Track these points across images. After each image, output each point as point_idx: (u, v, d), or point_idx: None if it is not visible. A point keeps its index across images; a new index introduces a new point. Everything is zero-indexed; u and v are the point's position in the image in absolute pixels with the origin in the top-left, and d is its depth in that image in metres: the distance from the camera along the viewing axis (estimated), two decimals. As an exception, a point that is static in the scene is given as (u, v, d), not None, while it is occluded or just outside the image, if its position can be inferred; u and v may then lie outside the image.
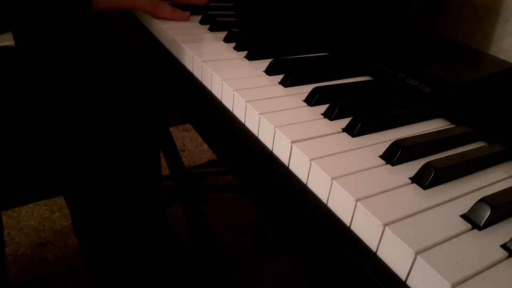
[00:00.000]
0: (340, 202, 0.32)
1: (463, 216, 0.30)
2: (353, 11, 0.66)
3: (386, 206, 0.30)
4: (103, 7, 0.62)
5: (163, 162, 0.94)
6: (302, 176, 0.36)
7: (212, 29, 0.65)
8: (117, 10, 0.66)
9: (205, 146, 1.55)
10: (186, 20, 0.66)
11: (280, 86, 0.48)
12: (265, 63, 0.53)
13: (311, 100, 0.45)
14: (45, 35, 0.59)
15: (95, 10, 0.61)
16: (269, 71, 0.51)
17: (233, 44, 0.59)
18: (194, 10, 0.73)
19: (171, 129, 1.02)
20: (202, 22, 0.68)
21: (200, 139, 1.58)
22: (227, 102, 0.47)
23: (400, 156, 0.35)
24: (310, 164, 0.35)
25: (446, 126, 0.44)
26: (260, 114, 0.41)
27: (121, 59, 0.66)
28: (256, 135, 0.42)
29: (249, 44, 0.58)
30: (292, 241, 0.38)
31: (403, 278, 0.27)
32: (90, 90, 0.61)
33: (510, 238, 0.28)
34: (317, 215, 0.33)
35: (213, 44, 0.60)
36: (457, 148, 0.40)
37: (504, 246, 0.28)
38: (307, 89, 0.46)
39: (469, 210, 0.30)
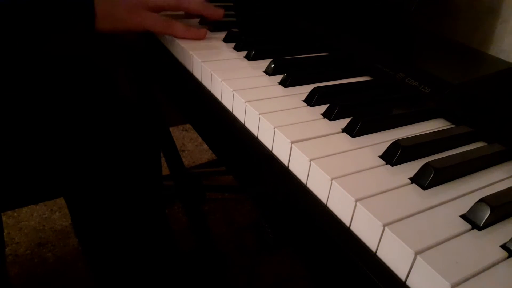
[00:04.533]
0: (339, 202, 0.32)
1: (463, 216, 0.30)
2: (353, 11, 0.66)
3: (385, 206, 0.30)
4: (108, 28, 0.57)
5: (163, 162, 0.94)
6: (302, 176, 0.36)
7: (212, 29, 0.65)
8: (125, 32, 0.59)
9: (205, 146, 1.55)
10: (202, 38, 0.60)
11: (280, 86, 0.48)
12: (265, 63, 0.53)
13: (311, 100, 0.45)
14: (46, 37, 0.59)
15: (99, 32, 0.57)
16: (269, 71, 0.51)
17: (233, 44, 0.59)
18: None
19: (171, 129, 1.02)
20: (201, 23, 0.68)
21: (200, 139, 1.58)
22: (227, 102, 0.47)
23: (400, 156, 0.35)
24: (310, 164, 0.35)
25: (446, 126, 0.44)
26: (260, 114, 0.41)
27: (120, 60, 0.66)
28: (256, 135, 0.42)
29: (249, 44, 0.58)
30: (292, 241, 0.38)
31: (403, 278, 0.27)
32: (90, 91, 0.61)
33: (510, 238, 0.28)
34: (317, 215, 0.33)
35: (213, 44, 0.60)
36: (457, 148, 0.39)
37: (504, 246, 0.28)
38: (307, 89, 0.46)
39: (469, 210, 0.30)
